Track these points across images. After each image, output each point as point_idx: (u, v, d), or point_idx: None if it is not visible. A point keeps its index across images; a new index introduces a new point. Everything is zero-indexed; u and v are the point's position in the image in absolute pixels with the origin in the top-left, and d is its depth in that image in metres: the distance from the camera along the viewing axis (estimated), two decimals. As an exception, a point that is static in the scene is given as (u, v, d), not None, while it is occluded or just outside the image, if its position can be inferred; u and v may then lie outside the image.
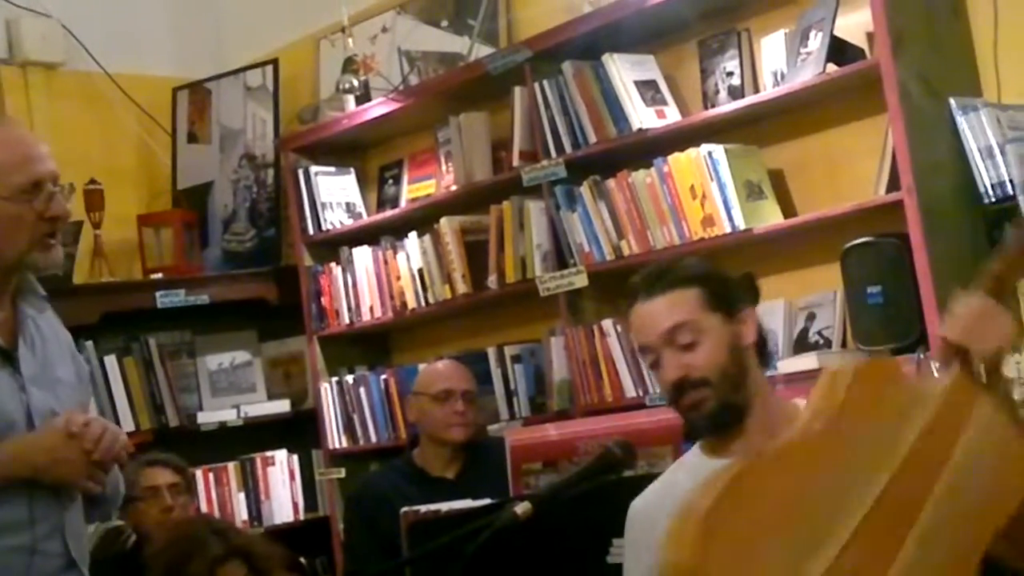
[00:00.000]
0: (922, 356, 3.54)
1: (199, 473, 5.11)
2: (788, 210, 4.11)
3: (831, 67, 3.82)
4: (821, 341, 3.98)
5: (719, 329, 2.25)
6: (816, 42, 3.86)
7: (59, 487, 2.43)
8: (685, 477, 2.24)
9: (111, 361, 5.11)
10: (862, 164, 3.93)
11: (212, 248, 5.67)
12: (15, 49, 5.41)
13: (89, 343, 5.09)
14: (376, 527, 3.77)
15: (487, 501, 2.89)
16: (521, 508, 2.06)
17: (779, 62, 4.03)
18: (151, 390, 5.20)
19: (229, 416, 5.32)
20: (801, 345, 4.01)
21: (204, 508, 5.19)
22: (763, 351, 2.33)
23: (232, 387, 5.46)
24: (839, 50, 3.84)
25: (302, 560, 4.47)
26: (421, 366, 4.91)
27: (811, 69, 3.85)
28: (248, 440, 5.36)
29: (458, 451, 4.00)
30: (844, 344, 3.94)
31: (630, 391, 4.25)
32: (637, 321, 2.28)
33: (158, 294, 5.16)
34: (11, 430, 2.41)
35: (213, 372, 5.45)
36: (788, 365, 3.85)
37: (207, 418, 5.31)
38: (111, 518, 2.77)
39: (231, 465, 5.32)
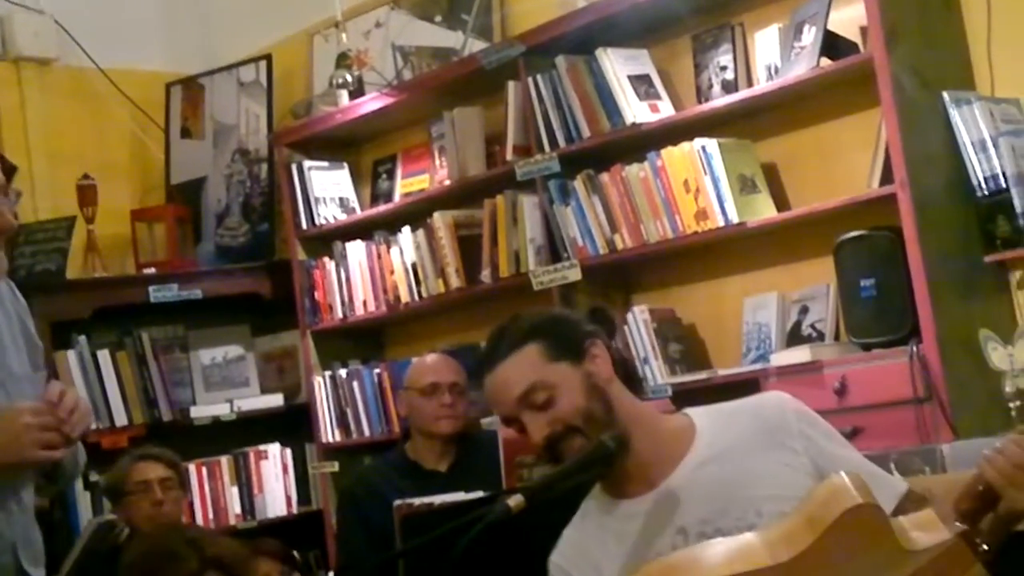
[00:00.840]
0: (915, 348, 3.55)
1: (192, 467, 5.11)
2: (781, 204, 4.11)
3: (824, 61, 3.82)
4: (814, 334, 3.98)
5: (570, 376, 2.15)
6: (810, 36, 3.86)
7: (14, 470, 2.37)
8: (595, 525, 2.21)
9: (104, 355, 5.11)
10: (855, 158, 3.93)
11: (205, 243, 5.66)
12: (8, 44, 5.41)
13: (82, 337, 5.09)
14: (369, 520, 3.77)
15: (480, 494, 2.89)
16: (514, 501, 2.05)
17: (773, 56, 4.04)
18: (144, 384, 5.20)
19: (222, 410, 5.32)
20: (794, 338, 4.02)
21: (197, 502, 5.20)
22: (630, 375, 2.24)
23: (225, 381, 5.46)
24: (832, 44, 3.84)
25: (295, 553, 4.47)
26: (415, 360, 4.92)
27: (805, 63, 3.85)
28: (241, 434, 5.36)
29: (450, 444, 4.00)
30: (837, 337, 3.94)
31: (624, 385, 4.25)
32: (490, 395, 2.21)
33: (151, 289, 5.17)
34: None
35: (206, 366, 5.45)
36: (781, 358, 3.85)
37: (200, 412, 5.31)
38: (65, 488, 2.69)
39: (224, 459, 5.32)
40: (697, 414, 2.25)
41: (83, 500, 4.92)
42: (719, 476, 2.13)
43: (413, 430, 4.09)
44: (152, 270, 5.38)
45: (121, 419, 5.11)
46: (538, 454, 2.20)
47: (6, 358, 2.48)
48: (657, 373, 4.18)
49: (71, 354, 5.05)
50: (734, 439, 2.17)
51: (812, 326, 4.00)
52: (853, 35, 3.89)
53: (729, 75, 4.17)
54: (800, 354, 3.81)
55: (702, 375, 4.11)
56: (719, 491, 2.12)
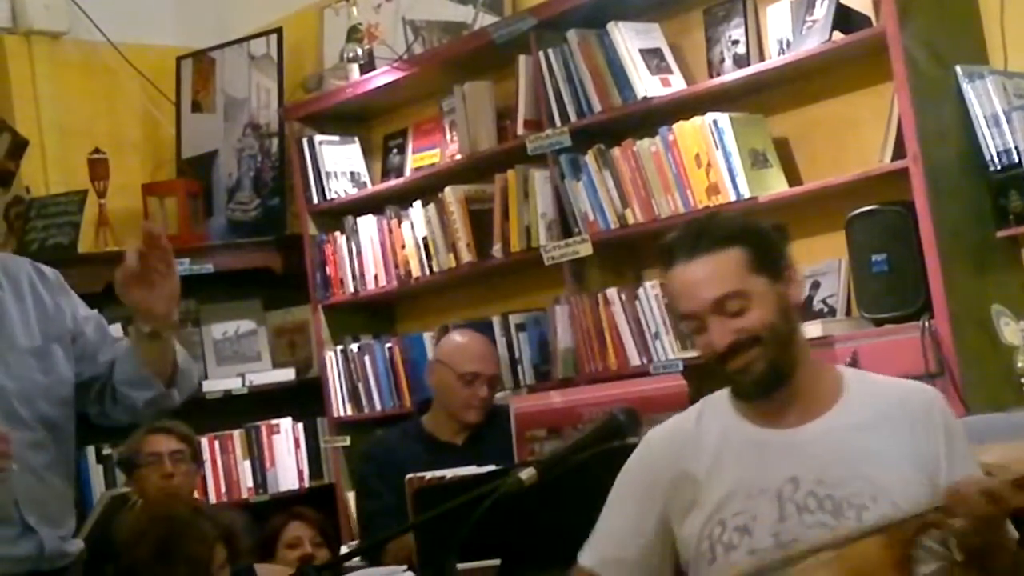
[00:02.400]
0: (926, 323, 3.55)
1: (205, 441, 5.12)
2: (793, 178, 4.11)
3: (837, 35, 3.81)
4: (825, 309, 3.98)
5: (766, 292, 2.14)
6: (822, 10, 3.84)
7: None
8: (716, 431, 2.22)
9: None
10: (867, 132, 3.93)
11: (217, 217, 5.67)
12: (19, 18, 5.40)
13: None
14: (388, 479, 3.77)
15: (492, 467, 2.91)
16: (526, 474, 2.07)
17: (785, 30, 4.02)
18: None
19: (234, 384, 5.34)
20: (806, 313, 4.01)
21: (210, 476, 5.22)
22: (803, 311, 2.27)
23: (237, 356, 5.47)
24: (845, 18, 3.83)
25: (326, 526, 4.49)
26: (426, 334, 4.94)
27: (817, 37, 3.84)
28: (253, 408, 5.37)
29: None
30: (848, 312, 3.94)
31: (634, 359, 4.26)
32: (679, 287, 2.17)
33: (162, 263, 5.17)
34: None
35: (218, 341, 5.46)
36: (792, 333, 3.85)
37: (212, 386, 5.32)
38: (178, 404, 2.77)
39: (236, 433, 5.34)
40: (848, 376, 2.24)
41: (96, 473, 4.96)
42: (849, 444, 2.14)
43: (435, 403, 4.10)
44: (164, 244, 5.38)
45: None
46: (708, 356, 2.17)
47: (11, 332, 2.51)
48: (669, 348, 4.19)
49: (83, 327, 5.06)
50: (876, 415, 2.17)
51: (824, 301, 4.00)
52: (865, 8, 3.87)
53: (741, 49, 4.16)
54: (812, 329, 3.80)
55: (713, 350, 4.10)
56: (844, 459, 2.12)
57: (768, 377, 2.15)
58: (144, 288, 2.53)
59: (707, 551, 2.18)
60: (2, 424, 2.47)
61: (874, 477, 2.10)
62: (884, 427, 2.15)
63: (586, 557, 2.29)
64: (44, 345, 2.57)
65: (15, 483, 2.47)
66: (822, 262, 4.03)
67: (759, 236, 2.19)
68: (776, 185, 4.04)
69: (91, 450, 4.94)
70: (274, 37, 5.59)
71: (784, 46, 4.01)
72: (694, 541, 2.19)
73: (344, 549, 4.37)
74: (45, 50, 5.49)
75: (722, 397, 2.26)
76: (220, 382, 5.35)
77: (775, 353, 2.13)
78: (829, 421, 2.17)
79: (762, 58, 4.12)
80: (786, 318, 2.15)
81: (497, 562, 2.52)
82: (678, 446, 2.24)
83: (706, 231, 2.17)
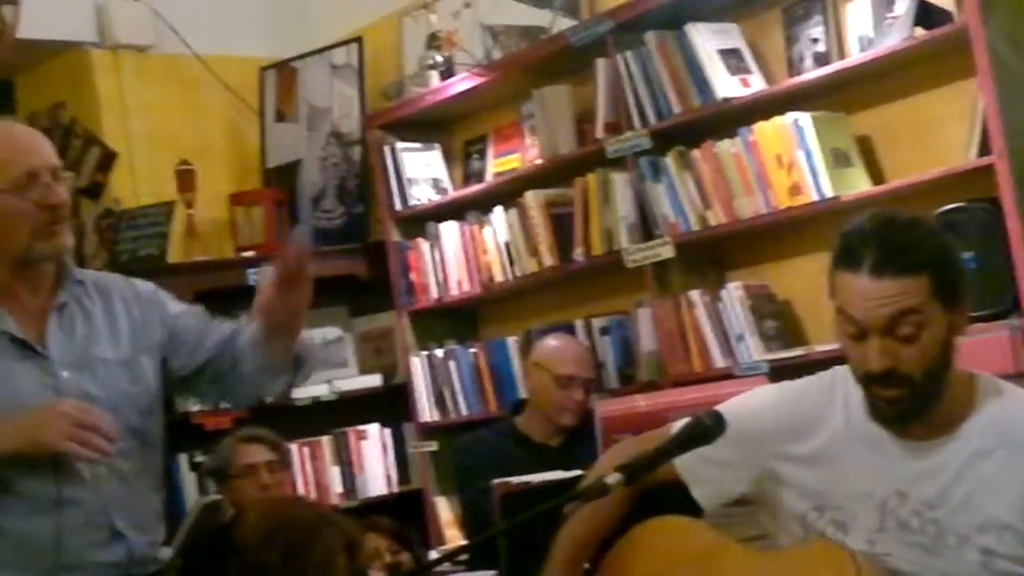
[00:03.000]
0: (1015, 322, 3.50)
1: (294, 447, 5.17)
2: (877, 177, 4.07)
3: (918, 31, 3.77)
4: (911, 308, 3.93)
5: (939, 321, 2.05)
6: (902, 6, 3.81)
7: (46, 452, 2.45)
8: (842, 413, 2.17)
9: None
10: (952, 129, 3.88)
11: (302, 225, 5.71)
12: (106, 33, 5.49)
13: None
14: (485, 472, 3.79)
15: (579, 472, 2.92)
16: (612, 478, 2.07)
17: (865, 27, 3.99)
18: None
19: (322, 391, 5.39)
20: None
21: (299, 482, 5.28)
22: None
23: (325, 362, 5.51)
24: (926, 13, 3.79)
25: (405, 532, 4.52)
26: (510, 339, 4.96)
27: (898, 33, 3.81)
28: (341, 414, 5.43)
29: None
30: (935, 311, 3.89)
31: (719, 361, 4.25)
32: (856, 294, 2.05)
33: (249, 272, 5.23)
34: None
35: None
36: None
37: (301, 393, 5.36)
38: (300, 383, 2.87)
39: (325, 439, 5.39)
40: (982, 388, 2.13)
41: (189, 481, 5.03)
42: (967, 470, 2.08)
43: (530, 405, 4.12)
44: (250, 253, 5.46)
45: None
46: (858, 371, 2.10)
47: (95, 349, 2.58)
48: (752, 350, 4.17)
49: (173, 337, 5.14)
50: (1000, 439, 2.08)
51: (909, 300, 3.95)
52: (947, 4, 3.82)
53: (821, 47, 4.13)
54: (897, 328, 3.77)
55: (798, 351, 4.09)
56: (958, 485, 2.08)
57: (911, 412, 2.08)
58: (279, 297, 2.60)
59: (799, 530, 2.17)
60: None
61: (986, 507, 2.05)
62: (1007, 453, 2.07)
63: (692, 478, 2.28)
64: (133, 356, 2.63)
65: (105, 488, 2.53)
66: (907, 260, 3.98)
67: (951, 263, 2.10)
68: (859, 184, 4.01)
69: (183, 458, 5.02)
70: (355, 46, 5.64)
71: (865, 43, 3.98)
72: (792, 513, 2.18)
73: (433, 554, 4.40)
74: (132, 64, 5.58)
75: (852, 381, 2.18)
76: (308, 389, 5.39)
77: (926, 391, 2.07)
78: (952, 443, 2.10)
79: (842, 56, 4.09)
80: (945, 354, 2.07)
81: (585, 566, 2.53)
82: (803, 408, 2.20)
83: (904, 249, 2.05)
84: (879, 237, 2.06)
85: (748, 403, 2.27)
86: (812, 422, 2.20)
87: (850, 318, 2.07)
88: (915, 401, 2.07)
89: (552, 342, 4.27)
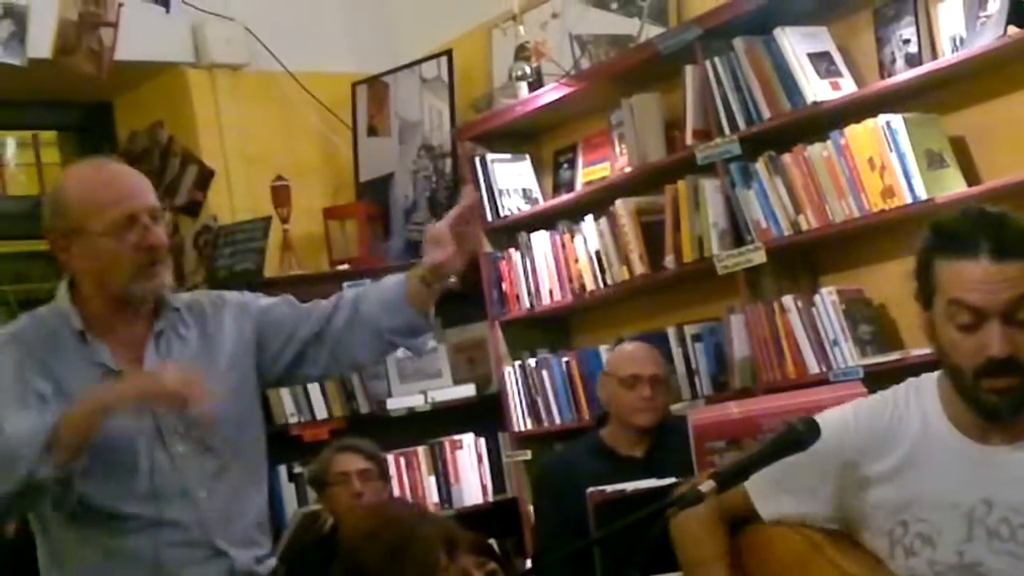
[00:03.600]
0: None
1: (390, 458, 5.21)
2: (972, 178, 4.02)
3: (1012, 30, 3.72)
4: (1010, 311, 3.87)
5: None
6: (995, 4, 3.76)
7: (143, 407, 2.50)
8: (918, 424, 2.15)
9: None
10: (1048, 128, 3.82)
11: (395, 238, 5.79)
12: (201, 52, 5.60)
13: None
14: (564, 505, 3.83)
15: (671, 480, 2.92)
16: (705, 486, 2.07)
17: (957, 27, 3.94)
18: (342, 379, 5.34)
19: (417, 402, 5.44)
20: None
21: (396, 492, 5.32)
22: None
23: (419, 373, 5.56)
24: (1019, 12, 3.73)
25: (492, 542, 4.54)
26: (602, 347, 4.96)
27: (991, 32, 3.76)
28: (436, 425, 5.47)
29: (646, 431, 4.02)
30: (1035, 313, 3.83)
31: (813, 367, 4.22)
32: (975, 279, 2.03)
33: (345, 285, 5.28)
34: (132, 445, 2.53)
35: (400, 359, 5.55)
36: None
37: (396, 404, 5.43)
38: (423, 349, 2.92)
39: (420, 449, 5.44)
40: None
41: (288, 491, 5.11)
42: None
43: (611, 416, 4.13)
44: (345, 266, 5.53)
45: (321, 412, 5.27)
46: (970, 363, 2.07)
47: (197, 364, 2.61)
48: (848, 355, 4.13)
49: (271, 351, 5.22)
50: None
51: (1008, 302, 3.90)
52: (1042, 1, 3.77)
53: (912, 48, 4.09)
54: (996, 331, 3.71)
55: (894, 356, 4.04)
56: None
57: (1022, 403, 2.06)
58: (447, 246, 2.62)
59: (886, 547, 2.15)
60: (190, 451, 2.59)
61: None
62: None
63: (767, 507, 2.28)
64: (229, 373, 2.67)
65: (203, 508, 2.58)
66: (1005, 262, 3.93)
67: None
68: (954, 185, 3.96)
69: (283, 469, 5.10)
70: (444, 59, 5.69)
71: (957, 43, 3.93)
72: (878, 530, 2.17)
73: (528, 564, 4.42)
74: (227, 82, 5.68)
75: (930, 388, 2.18)
76: (403, 399, 5.45)
77: None
78: None
79: (935, 56, 4.04)
80: None
81: (680, 575, 2.53)
82: (880, 422, 2.18)
83: (1022, 236, 2.06)
84: (994, 224, 2.08)
85: (824, 425, 2.24)
86: (890, 437, 2.18)
87: (967, 306, 2.04)
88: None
89: (615, 349, 4.30)
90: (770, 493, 2.27)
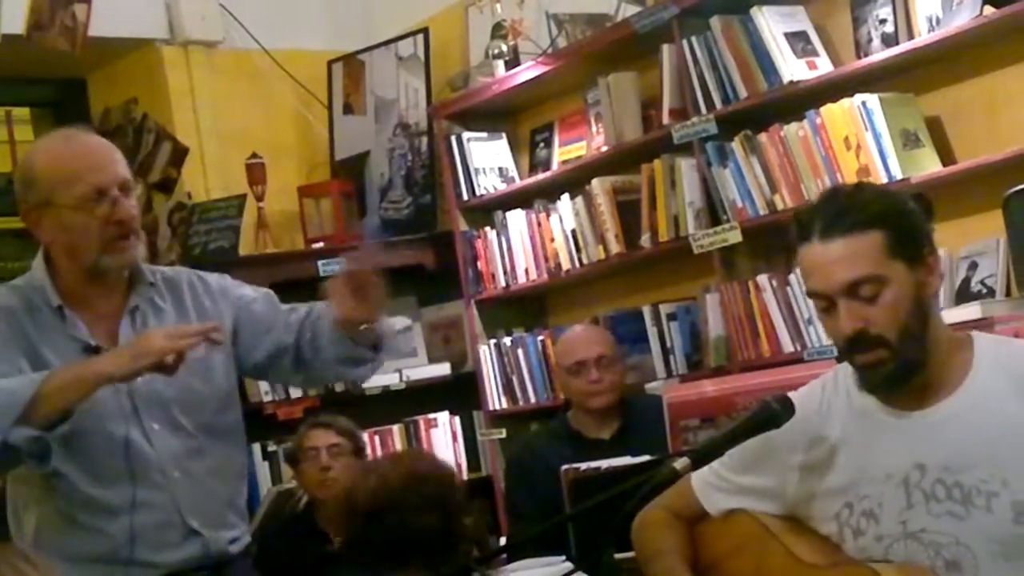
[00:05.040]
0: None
1: (366, 436, 5.19)
2: (947, 158, 4.03)
3: (988, 9, 3.73)
4: (984, 290, 3.89)
5: (903, 279, 2.04)
6: (971, -16, 3.76)
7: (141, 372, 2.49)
8: (843, 403, 2.17)
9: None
10: (1022, 108, 3.83)
11: (370, 216, 5.78)
12: (176, 29, 5.56)
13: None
14: (535, 487, 3.82)
15: (646, 458, 2.92)
16: (680, 464, 2.07)
17: (933, 7, 3.95)
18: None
19: (392, 380, 5.42)
20: (963, 295, 3.94)
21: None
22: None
23: (393, 352, 5.54)
24: (995, -8, 3.74)
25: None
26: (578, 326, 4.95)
27: (967, 12, 3.76)
28: (411, 403, 5.46)
29: (610, 413, 3.99)
30: (1008, 292, 3.85)
31: (787, 346, 4.23)
32: (811, 264, 2.08)
33: (320, 263, 5.27)
34: (108, 420, 2.53)
35: (375, 336, 5.55)
36: (951, 315, 3.76)
37: (371, 382, 5.39)
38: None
39: (395, 428, 5.44)
40: (982, 344, 2.12)
41: (262, 469, 5.10)
42: (976, 426, 2.05)
43: (573, 403, 4.13)
44: (320, 245, 5.51)
45: (295, 390, 5.25)
46: (835, 339, 2.11)
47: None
48: (822, 334, 4.14)
49: (245, 328, 5.20)
50: (1009, 379, 2.06)
51: (982, 282, 3.92)
52: (1018, -19, 3.78)
53: (889, 28, 4.09)
54: (970, 311, 3.73)
55: (868, 334, 4.05)
56: (971, 443, 2.05)
57: (897, 375, 2.07)
58: (352, 299, 2.68)
59: (836, 532, 2.16)
60: (166, 429, 2.58)
61: (1004, 459, 2.02)
62: (1017, 390, 2.04)
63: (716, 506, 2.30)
64: (205, 354, 2.64)
65: (176, 489, 2.58)
66: (979, 242, 3.95)
67: (903, 218, 2.07)
68: (929, 165, 3.97)
69: (256, 447, 5.09)
70: (420, 37, 5.67)
71: (934, 23, 3.94)
72: (825, 516, 2.18)
73: (503, 541, 4.42)
74: (201, 59, 5.64)
75: (850, 370, 2.17)
76: (378, 378, 5.40)
77: (904, 353, 2.05)
78: (956, 401, 2.08)
79: (911, 36, 4.04)
80: (920, 312, 2.05)
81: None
82: (810, 411, 2.18)
83: (848, 210, 2.06)
84: (823, 204, 2.10)
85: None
86: (821, 424, 2.19)
87: (815, 293, 2.09)
88: (898, 364, 2.05)
89: (559, 339, 4.26)
90: (717, 492, 2.29)
